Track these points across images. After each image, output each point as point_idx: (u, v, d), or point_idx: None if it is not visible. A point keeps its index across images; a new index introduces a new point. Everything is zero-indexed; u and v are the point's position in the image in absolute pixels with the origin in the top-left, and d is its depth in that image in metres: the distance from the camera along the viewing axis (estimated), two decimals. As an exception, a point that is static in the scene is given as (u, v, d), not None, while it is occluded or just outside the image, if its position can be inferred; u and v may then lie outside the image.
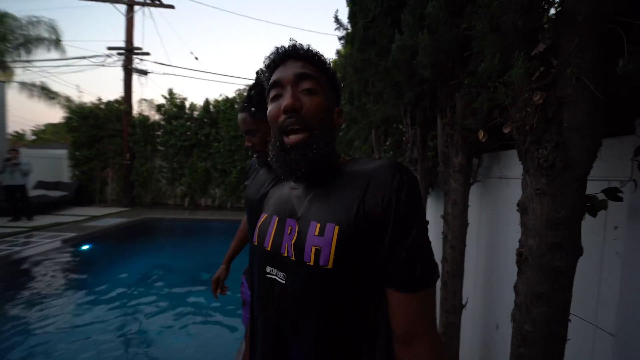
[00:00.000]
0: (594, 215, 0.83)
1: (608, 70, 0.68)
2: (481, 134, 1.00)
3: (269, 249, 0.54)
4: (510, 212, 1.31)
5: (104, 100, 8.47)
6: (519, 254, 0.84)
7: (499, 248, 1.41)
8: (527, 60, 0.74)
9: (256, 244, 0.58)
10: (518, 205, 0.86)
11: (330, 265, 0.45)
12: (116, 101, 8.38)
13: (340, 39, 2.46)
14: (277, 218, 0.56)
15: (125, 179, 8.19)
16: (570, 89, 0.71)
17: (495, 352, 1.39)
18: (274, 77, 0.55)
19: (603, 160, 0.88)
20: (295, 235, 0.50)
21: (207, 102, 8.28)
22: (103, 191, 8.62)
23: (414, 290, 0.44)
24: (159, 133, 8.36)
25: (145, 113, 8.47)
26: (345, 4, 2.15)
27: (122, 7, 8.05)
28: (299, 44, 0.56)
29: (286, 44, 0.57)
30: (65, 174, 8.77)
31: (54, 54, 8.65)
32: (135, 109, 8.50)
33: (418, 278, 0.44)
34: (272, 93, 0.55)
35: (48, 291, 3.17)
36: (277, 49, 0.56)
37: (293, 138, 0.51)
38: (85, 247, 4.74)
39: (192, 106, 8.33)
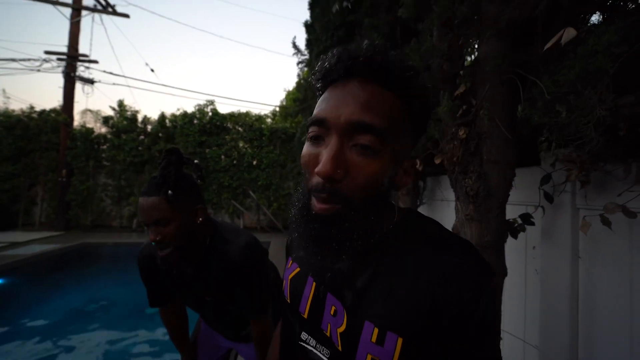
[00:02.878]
0: (514, 237, 0.92)
1: (514, 112, 0.78)
2: (417, 163, 1.07)
3: (305, 316, 0.46)
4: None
5: (37, 109, 7.56)
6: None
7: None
8: (451, 99, 0.83)
9: (289, 301, 0.48)
10: (452, 229, 0.92)
11: None
12: (53, 111, 7.52)
13: (298, 63, 2.55)
14: (314, 282, 0.46)
15: (59, 198, 7.23)
16: (485, 127, 0.81)
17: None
18: (320, 107, 0.38)
19: (524, 186, 1.00)
20: (344, 325, 0.40)
21: (162, 115, 7.83)
22: (30, 213, 7.48)
23: None
24: (104, 147, 7.62)
25: (90, 125, 7.72)
26: (303, 31, 2.24)
27: (67, 11, 7.43)
28: (375, 48, 0.36)
29: (354, 44, 0.37)
30: (-20, 193, 7.46)
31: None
32: (77, 121, 7.72)
33: None
34: (312, 131, 0.38)
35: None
36: (340, 53, 0.38)
37: (320, 206, 0.37)
38: (-1, 282, 3.99)
39: (146, 120, 7.81)
